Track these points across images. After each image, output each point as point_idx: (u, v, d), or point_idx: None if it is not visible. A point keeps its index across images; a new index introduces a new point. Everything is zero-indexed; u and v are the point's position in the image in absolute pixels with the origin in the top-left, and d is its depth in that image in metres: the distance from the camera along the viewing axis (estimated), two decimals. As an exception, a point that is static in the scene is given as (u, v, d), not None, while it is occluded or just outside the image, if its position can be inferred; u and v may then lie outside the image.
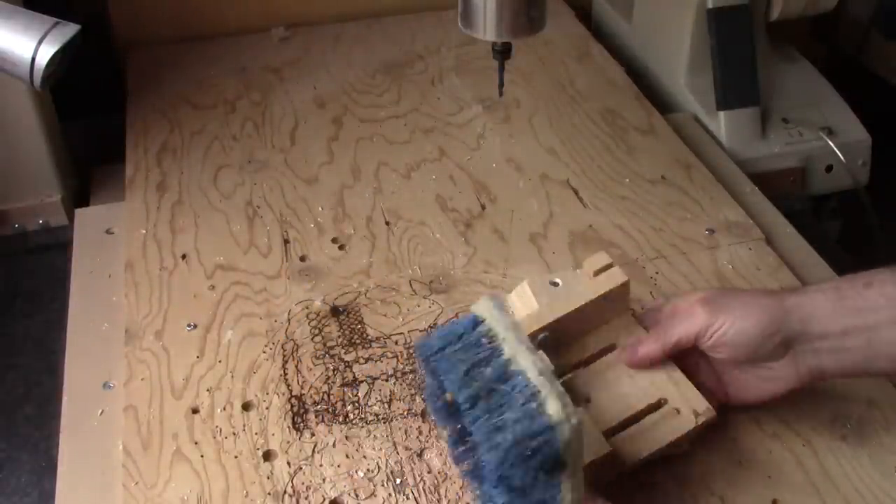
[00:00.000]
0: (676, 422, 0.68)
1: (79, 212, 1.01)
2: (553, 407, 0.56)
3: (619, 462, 0.66)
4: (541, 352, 0.62)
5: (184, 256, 0.92)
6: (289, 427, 0.75)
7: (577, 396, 0.68)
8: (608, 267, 0.72)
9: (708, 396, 0.70)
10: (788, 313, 0.66)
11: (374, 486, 0.70)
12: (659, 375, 0.70)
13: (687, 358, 0.71)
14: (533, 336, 0.66)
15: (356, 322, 0.85)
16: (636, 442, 0.67)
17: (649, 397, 0.69)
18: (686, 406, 0.69)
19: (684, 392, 0.69)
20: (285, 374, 0.79)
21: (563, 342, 0.70)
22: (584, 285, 0.71)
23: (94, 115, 1.19)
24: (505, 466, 0.55)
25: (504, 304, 0.65)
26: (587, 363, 0.71)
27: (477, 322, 0.63)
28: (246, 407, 0.77)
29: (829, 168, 1.14)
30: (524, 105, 1.16)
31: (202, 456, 0.73)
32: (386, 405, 0.77)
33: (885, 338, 0.65)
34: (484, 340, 0.61)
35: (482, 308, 0.64)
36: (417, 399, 0.76)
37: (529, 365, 0.59)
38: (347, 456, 0.73)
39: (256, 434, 0.74)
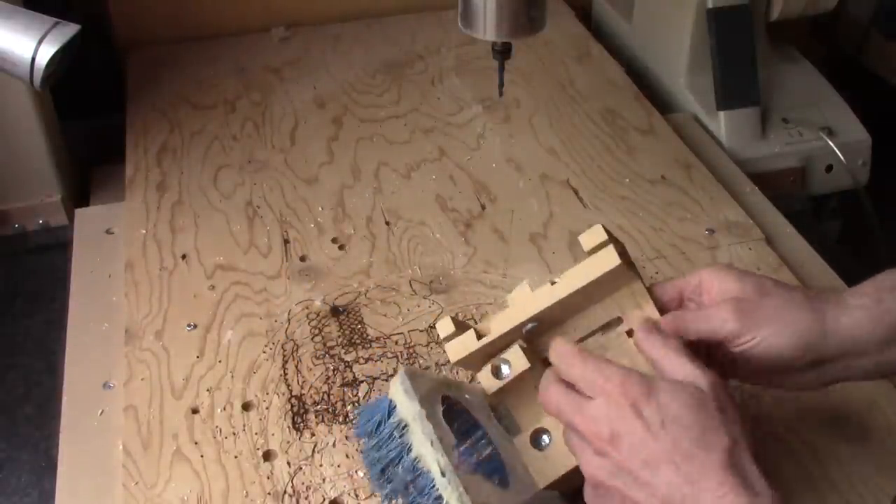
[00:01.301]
0: None
1: (79, 212, 1.01)
2: None
3: None
4: (440, 437, 0.60)
5: (184, 256, 0.92)
6: (289, 427, 0.75)
7: None
8: (605, 244, 0.65)
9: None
10: (826, 336, 0.61)
11: (374, 486, 0.70)
12: None
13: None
14: (520, 327, 0.65)
15: (356, 322, 0.85)
16: None
17: None
18: None
19: None
20: (285, 374, 0.79)
21: (560, 322, 0.67)
22: (577, 269, 0.66)
23: (94, 115, 1.19)
24: None
25: (412, 381, 0.61)
26: (590, 337, 0.68)
27: (391, 409, 0.61)
28: (246, 407, 0.77)
29: (829, 168, 1.14)
30: (524, 105, 1.16)
31: (202, 456, 0.73)
32: (386, 405, 0.77)
33: None
34: (395, 434, 0.60)
35: (393, 391, 0.61)
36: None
37: (433, 464, 0.58)
38: (347, 456, 0.73)
39: (256, 434, 0.74)
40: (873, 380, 0.71)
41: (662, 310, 0.65)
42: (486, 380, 0.65)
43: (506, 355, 0.65)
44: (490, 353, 0.66)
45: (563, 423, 0.60)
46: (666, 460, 0.53)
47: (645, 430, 0.54)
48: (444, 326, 0.67)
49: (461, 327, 0.66)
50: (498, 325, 0.66)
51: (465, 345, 0.65)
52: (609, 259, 0.64)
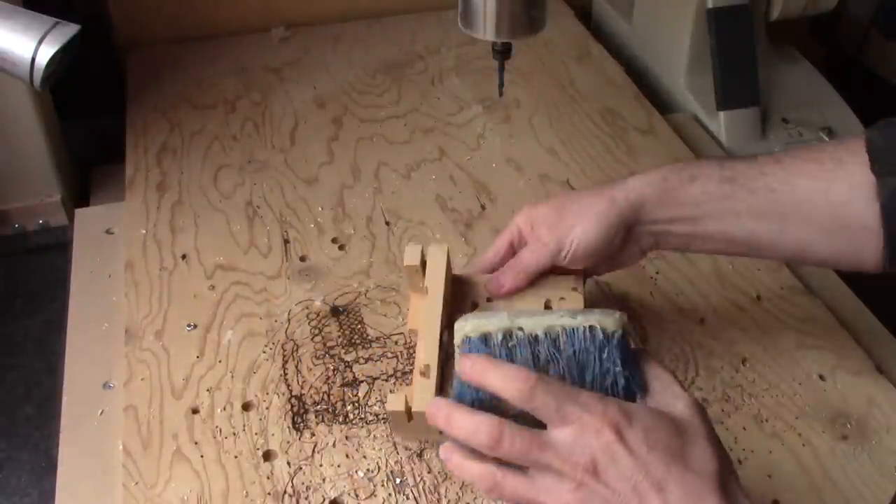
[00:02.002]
0: None
1: (79, 212, 1.01)
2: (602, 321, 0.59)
3: None
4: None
5: (184, 256, 0.92)
6: (289, 427, 0.75)
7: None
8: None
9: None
10: (621, 209, 0.70)
11: (374, 486, 0.70)
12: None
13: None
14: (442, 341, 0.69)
15: (356, 322, 0.85)
16: None
17: None
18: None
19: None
20: (285, 374, 0.79)
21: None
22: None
23: (94, 115, 1.19)
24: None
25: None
26: None
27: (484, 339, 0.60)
28: (246, 407, 0.77)
29: (829, 168, 1.14)
30: (524, 105, 1.16)
31: (202, 456, 0.73)
32: (386, 405, 0.77)
33: (706, 228, 0.69)
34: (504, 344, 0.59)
35: (468, 327, 0.61)
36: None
37: (556, 321, 0.59)
38: (347, 456, 0.73)
39: (256, 434, 0.74)
40: (681, 251, 0.82)
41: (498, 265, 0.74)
42: None
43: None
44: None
45: (522, 462, 0.55)
46: (656, 487, 0.52)
47: (631, 457, 0.52)
48: (395, 403, 0.69)
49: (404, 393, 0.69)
50: (427, 354, 0.69)
51: (425, 390, 0.67)
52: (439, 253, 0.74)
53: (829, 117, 1.16)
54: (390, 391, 0.76)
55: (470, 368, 0.57)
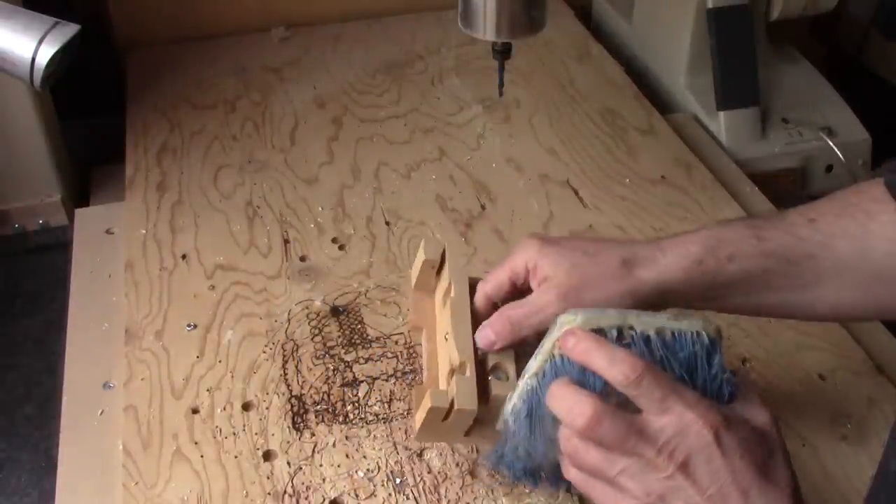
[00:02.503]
0: None
1: (79, 212, 1.01)
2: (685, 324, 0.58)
3: None
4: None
5: (184, 256, 0.92)
6: (289, 427, 0.75)
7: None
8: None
9: None
10: (647, 296, 0.64)
11: (374, 486, 0.70)
12: None
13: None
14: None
15: (356, 322, 0.85)
16: None
17: None
18: None
19: None
20: (285, 374, 0.79)
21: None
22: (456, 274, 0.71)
23: (94, 115, 1.19)
24: None
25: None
26: None
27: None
28: (246, 407, 0.77)
29: (829, 168, 1.14)
30: (524, 105, 1.16)
31: (202, 456, 0.73)
32: (386, 405, 0.77)
33: (733, 301, 0.66)
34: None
35: (579, 319, 0.59)
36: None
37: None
38: (347, 456, 0.73)
39: (256, 434, 0.74)
40: None
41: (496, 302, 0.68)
42: (498, 388, 0.64)
43: (494, 365, 0.65)
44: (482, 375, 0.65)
45: (613, 447, 0.54)
46: (739, 491, 0.52)
47: (724, 459, 0.53)
48: (439, 400, 0.64)
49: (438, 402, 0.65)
50: (460, 351, 0.65)
51: (467, 386, 0.64)
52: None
53: (829, 117, 1.16)
54: (410, 386, 0.72)
55: (574, 345, 0.56)
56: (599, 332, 0.57)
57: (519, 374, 0.63)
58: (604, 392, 0.55)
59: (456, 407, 0.63)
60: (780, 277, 0.64)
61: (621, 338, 0.57)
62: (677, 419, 0.53)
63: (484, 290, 0.68)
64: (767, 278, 0.64)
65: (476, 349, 0.65)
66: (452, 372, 0.64)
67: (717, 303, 0.66)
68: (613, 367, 0.54)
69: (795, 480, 0.55)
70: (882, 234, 0.63)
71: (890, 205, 0.63)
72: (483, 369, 0.64)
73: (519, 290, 0.67)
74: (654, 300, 0.64)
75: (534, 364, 0.60)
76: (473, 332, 0.66)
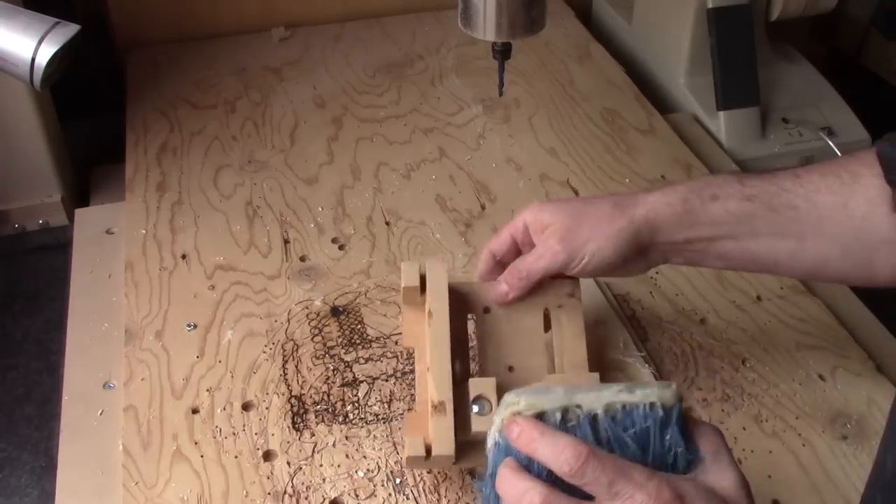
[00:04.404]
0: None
1: (79, 212, 1.01)
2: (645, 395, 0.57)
3: None
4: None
5: (184, 256, 0.92)
6: (289, 427, 0.75)
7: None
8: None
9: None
10: (639, 230, 0.69)
11: (374, 486, 0.70)
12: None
13: None
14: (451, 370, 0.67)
15: (356, 322, 0.85)
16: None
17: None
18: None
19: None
20: (285, 374, 0.79)
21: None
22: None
23: (94, 115, 1.19)
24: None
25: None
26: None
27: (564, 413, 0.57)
28: (246, 407, 0.77)
29: (829, 168, 1.14)
30: (524, 105, 1.16)
31: (202, 456, 0.73)
32: (386, 405, 0.77)
33: (723, 247, 0.69)
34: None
35: (521, 404, 0.57)
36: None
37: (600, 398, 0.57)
38: (347, 456, 0.73)
39: (256, 434, 0.74)
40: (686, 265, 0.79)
41: (503, 262, 0.73)
42: (479, 424, 0.66)
43: (476, 395, 0.66)
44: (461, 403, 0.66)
45: None
46: None
47: None
48: (415, 448, 0.65)
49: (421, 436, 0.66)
50: (438, 390, 0.66)
51: (444, 429, 0.65)
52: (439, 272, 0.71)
53: (829, 117, 1.16)
54: (410, 386, 0.74)
55: (517, 437, 0.55)
56: (543, 415, 0.55)
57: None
58: (553, 476, 0.54)
59: (434, 453, 0.65)
60: (763, 223, 0.67)
61: (566, 420, 0.55)
62: (629, 502, 0.51)
63: (489, 248, 0.74)
64: (752, 223, 0.68)
65: (455, 381, 0.67)
66: (434, 408, 0.66)
67: (706, 245, 0.69)
68: (557, 457, 0.53)
69: None
70: (864, 195, 0.65)
71: (876, 169, 0.64)
72: (465, 399, 0.66)
73: (520, 251, 0.73)
74: (645, 236, 0.69)
75: (496, 422, 0.58)
76: (453, 358, 0.68)
